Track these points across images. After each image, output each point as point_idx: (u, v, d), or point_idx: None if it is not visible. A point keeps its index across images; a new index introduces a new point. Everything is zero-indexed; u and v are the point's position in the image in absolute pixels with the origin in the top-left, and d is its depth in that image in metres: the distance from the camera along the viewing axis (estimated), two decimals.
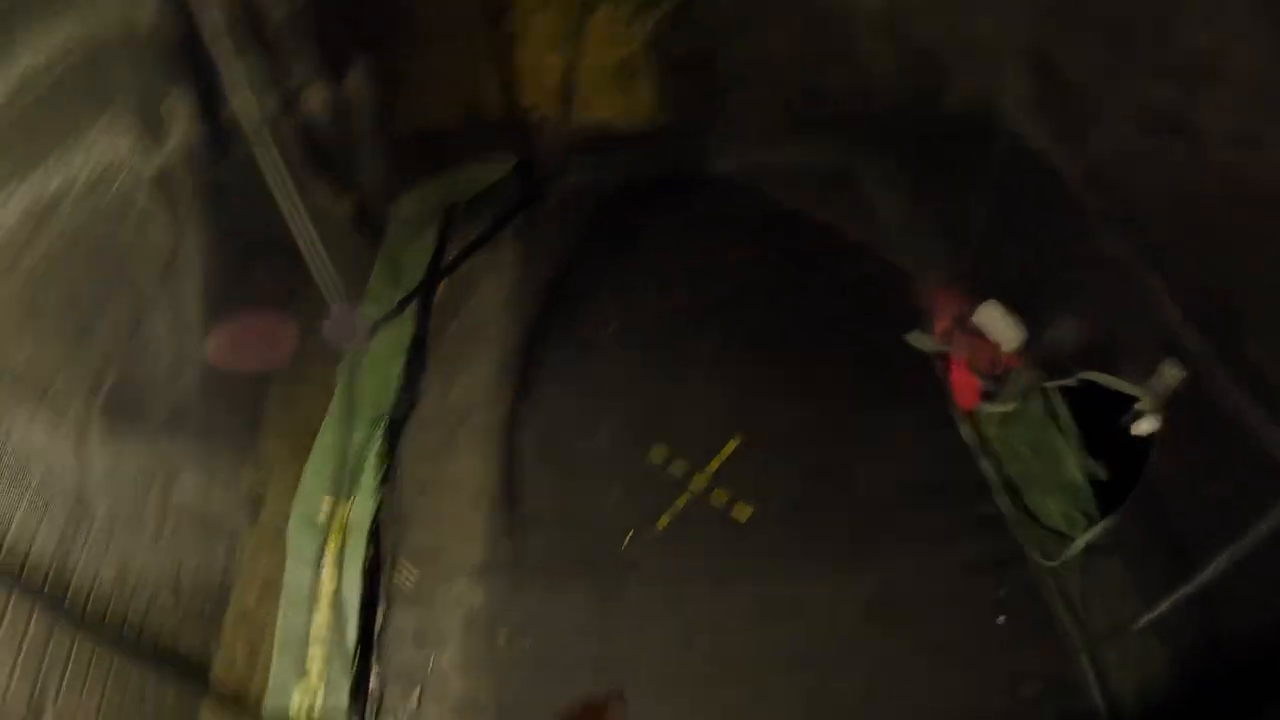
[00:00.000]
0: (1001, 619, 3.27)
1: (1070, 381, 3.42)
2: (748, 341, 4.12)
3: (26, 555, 2.86)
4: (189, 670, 3.20)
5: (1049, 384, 3.52)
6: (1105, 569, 3.22)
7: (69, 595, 2.89)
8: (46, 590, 2.76)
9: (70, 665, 2.99)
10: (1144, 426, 3.02)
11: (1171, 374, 2.85)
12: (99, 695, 3.10)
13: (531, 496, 3.75)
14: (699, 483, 3.71)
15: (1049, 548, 3.34)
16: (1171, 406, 2.91)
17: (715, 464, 3.76)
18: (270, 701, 3.33)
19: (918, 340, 3.95)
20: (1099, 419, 3.31)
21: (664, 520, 3.64)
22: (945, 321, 3.93)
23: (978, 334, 3.81)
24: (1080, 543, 3.24)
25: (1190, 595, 2.77)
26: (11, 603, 2.66)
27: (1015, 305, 3.76)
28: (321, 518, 3.60)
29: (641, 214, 4.58)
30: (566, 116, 4.71)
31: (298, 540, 3.60)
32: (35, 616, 2.66)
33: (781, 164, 4.60)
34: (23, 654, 2.93)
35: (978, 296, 3.88)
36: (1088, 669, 3.11)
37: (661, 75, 4.67)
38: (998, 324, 3.76)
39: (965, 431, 3.73)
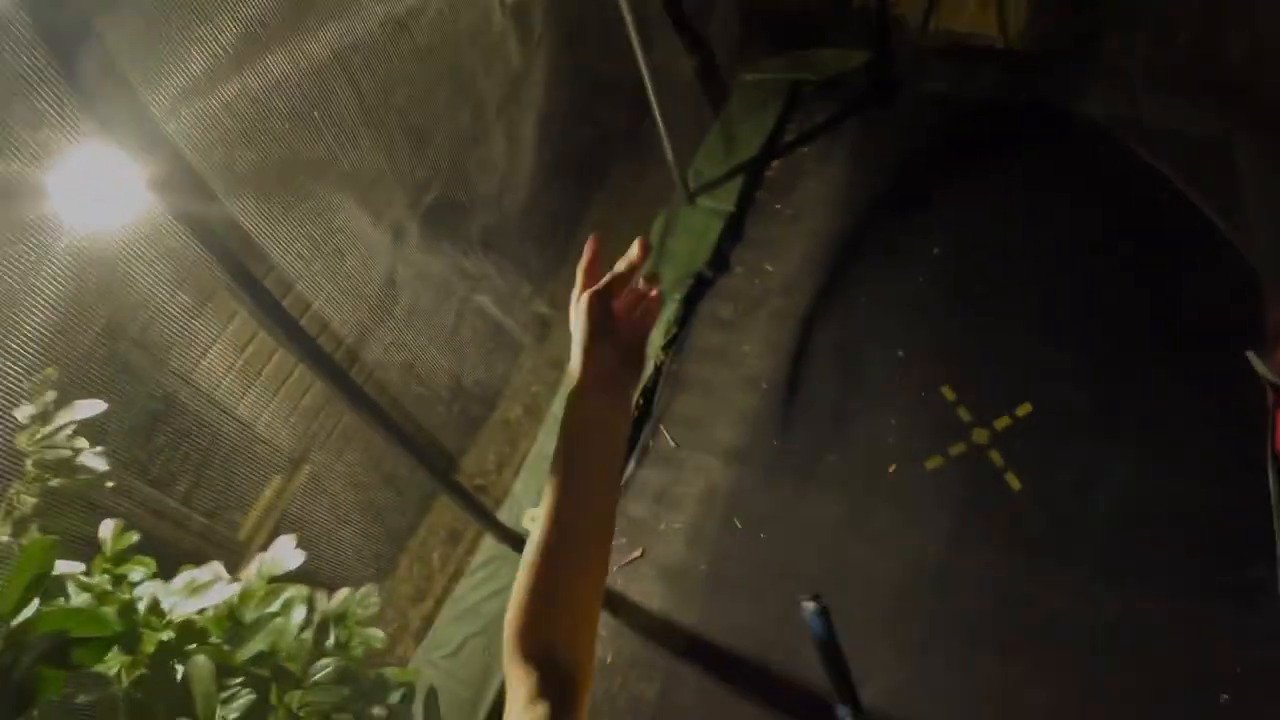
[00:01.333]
0: (1225, 698, 2.76)
1: None
2: (1070, 306, 3.55)
3: (325, 326, 3.10)
4: (441, 460, 3.36)
5: None
6: None
7: (355, 368, 3.11)
8: (337, 360, 2.97)
9: (337, 429, 3.21)
10: None
11: None
12: (354, 459, 3.29)
13: (808, 396, 3.56)
14: (980, 436, 3.33)
15: None
16: None
17: (1002, 423, 3.33)
18: (505, 511, 3.41)
19: (1256, 362, 3.24)
20: None
21: (934, 461, 3.31)
22: None
23: None
24: None
25: None
26: (299, 368, 2.89)
27: None
28: None
29: (990, 139, 4.06)
30: (928, 21, 4.30)
31: (569, 376, 3.63)
32: (319, 381, 2.85)
33: (1155, 121, 3.91)
34: (298, 410, 3.20)
35: None
36: None
37: None
38: None
39: (1272, 482, 3.04)
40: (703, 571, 3.29)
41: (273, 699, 2.52)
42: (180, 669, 2.25)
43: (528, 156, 3.73)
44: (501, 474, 3.80)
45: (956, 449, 3.32)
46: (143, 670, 2.25)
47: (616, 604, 3.29)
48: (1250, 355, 3.25)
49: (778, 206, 4.07)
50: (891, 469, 3.33)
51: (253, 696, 2.32)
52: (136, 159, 2.02)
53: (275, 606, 2.64)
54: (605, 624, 3.26)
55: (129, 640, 2.25)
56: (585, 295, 1.04)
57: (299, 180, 3.03)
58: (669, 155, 3.88)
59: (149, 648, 2.24)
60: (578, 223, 4.15)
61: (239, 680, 2.42)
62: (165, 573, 2.53)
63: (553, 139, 3.79)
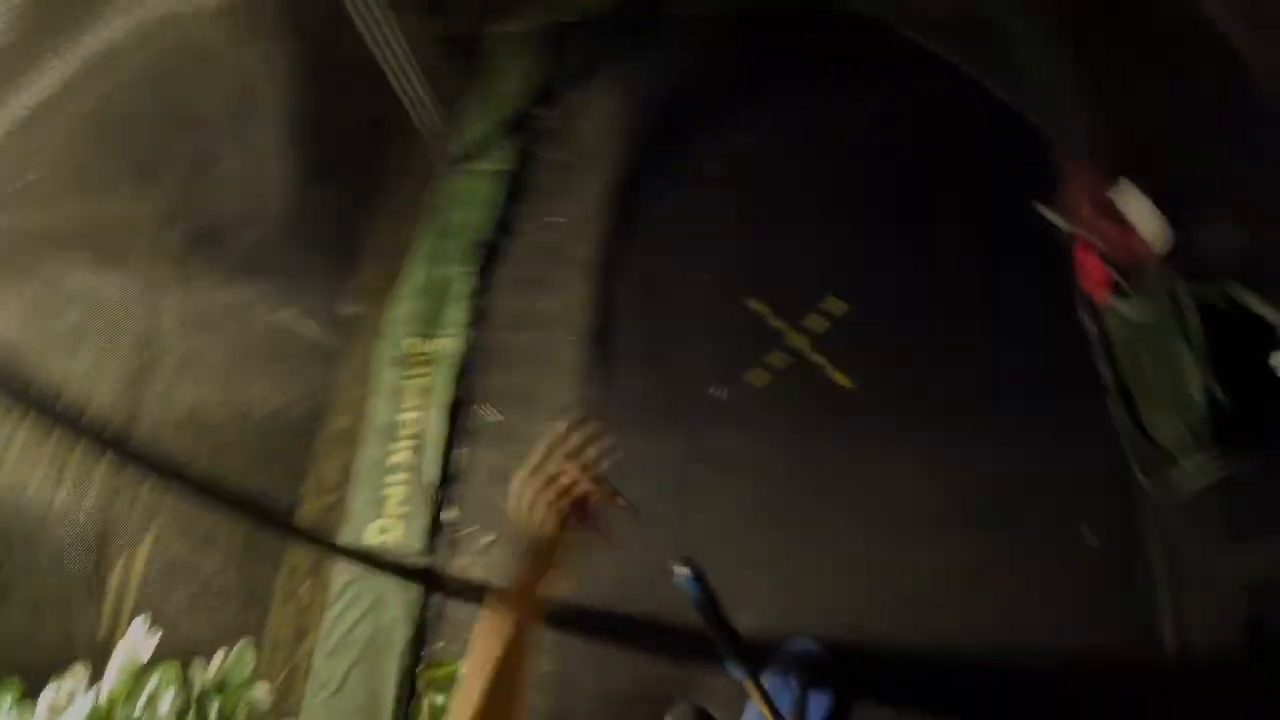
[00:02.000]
0: (1089, 534, 2.88)
1: (1213, 296, 2.89)
2: (865, 195, 3.58)
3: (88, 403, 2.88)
4: (268, 506, 3.21)
5: (1186, 292, 2.98)
6: (1211, 508, 2.78)
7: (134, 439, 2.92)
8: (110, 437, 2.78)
9: (136, 508, 3.03)
10: None
11: None
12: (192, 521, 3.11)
13: (623, 339, 3.52)
14: (799, 341, 3.34)
15: (1155, 469, 2.89)
16: None
17: (819, 324, 3.36)
18: (347, 534, 3.29)
19: (1051, 215, 3.38)
20: (1235, 343, 2.86)
21: (759, 376, 3.32)
22: (1083, 200, 3.34)
23: (1118, 220, 3.22)
24: (1193, 475, 2.81)
25: None
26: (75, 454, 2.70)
27: (1165, 199, 3.15)
28: (405, 355, 3.48)
29: (761, 48, 4.06)
30: None
31: (383, 377, 3.51)
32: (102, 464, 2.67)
33: (925, 6, 3.95)
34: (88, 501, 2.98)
35: (1124, 181, 3.28)
36: (1167, 609, 2.75)
37: None
38: (1142, 213, 3.14)
39: (1087, 323, 3.20)
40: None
41: None
42: None
43: (277, 164, 3.52)
44: (345, 489, 3.65)
45: (777, 359, 3.33)
46: None
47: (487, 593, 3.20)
48: (1042, 207, 3.37)
49: (552, 155, 3.97)
50: (717, 392, 3.33)
51: None
52: None
53: (142, 702, 2.50)
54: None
55: None
56: (560, 497, 1.30)
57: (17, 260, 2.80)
58: (430, 127, 3.73)
59: None
60: (358, 214, 3.97)
61: None
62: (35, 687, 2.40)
63: (303, 138, 3.60)
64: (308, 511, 3.57)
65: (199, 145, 3.33)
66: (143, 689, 2.58)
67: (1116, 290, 3.17)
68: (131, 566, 3.32)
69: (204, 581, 3.35)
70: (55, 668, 2.81)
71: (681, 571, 1.66)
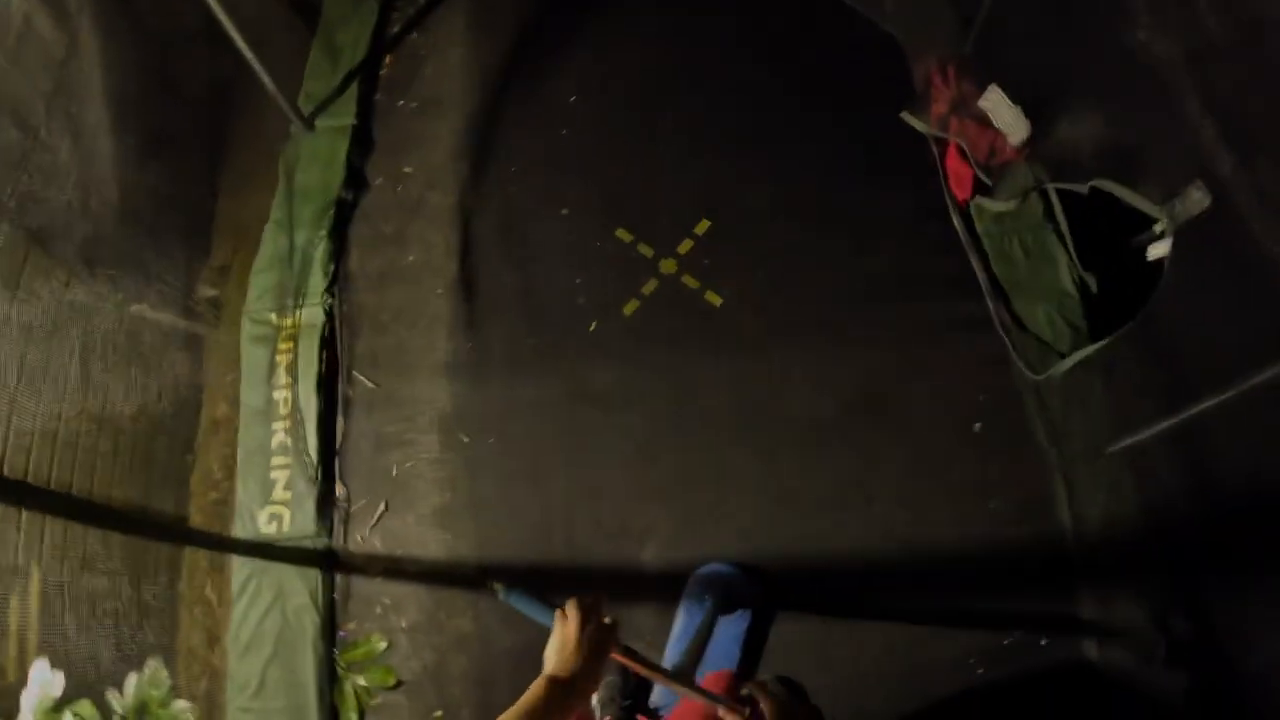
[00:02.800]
0: (978, 426, 2.95)
1: (1079, 187, 2.93)
2: (723, 115, 3.52)
3: None
4: (148, 514, 3.10)
5: (1052, 185, 3.05)
6: (1090, 389, 2.91)
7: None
8: None
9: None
10: (1158, 250, 2.71)
11: (1197, 199, 2.56)
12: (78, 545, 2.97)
13: (492, 285, 3.42)
14: (667, 266, 3.30)
15: (1034, 358, 2.98)
16: (1188, 233, 2.63)
17: (685, 247, 3.31)
18: (240, 526, 3.17)
19: (912, 120, 3.33)
20: (1101, 232, 2.98)
21: (631, 305, 3.27)
22: (943, 103, 3.30)
23: (979, 121, 3.20)
24: (1070, 361, 2.91)
25: (1172, 431, 2.58)
26: None
27: (1025, 96, 3.18)
28: (269, 331, 3.31)
29: None
30: None
31: (250, 357, 3.37)
32: None
33: None
34: None
35: (983, 81, 3.24)
36: (1059, 488, 2.86)
37: None
38: (1003, 112, 3.16)
39: (957, 223, 3.18)
40: (450, 499, 3.15)
41: None
42: None
43: (106, 144, 3.30)
44: (233, 478, 3.51)
45: (649, 287, 3.28)
46: None
47: (391, 569, 3.16)
48: (905, 114, 3.31)
49: (400, 103, 3.80)
50: (592, 327, 3.25)
51: None
52: None
53: None
54: (390, 593, 3.14)
55: None
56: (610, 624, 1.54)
57: None
58: (268, 87, 3.51)
59: None
60: (208, 189, 3.76)
61: None
62: None
63: (133, 115, 3.37)
64: (198, 508, 3.43)
65: (13, 135, 3.09)
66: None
67: (983, 189, 3.17)
68: (26, 605, 3.18)
69: (103, 605, 3.21)
70: None
71: (500, 590, 1.65)
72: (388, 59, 3.85)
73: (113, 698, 2.73)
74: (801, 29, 3.60)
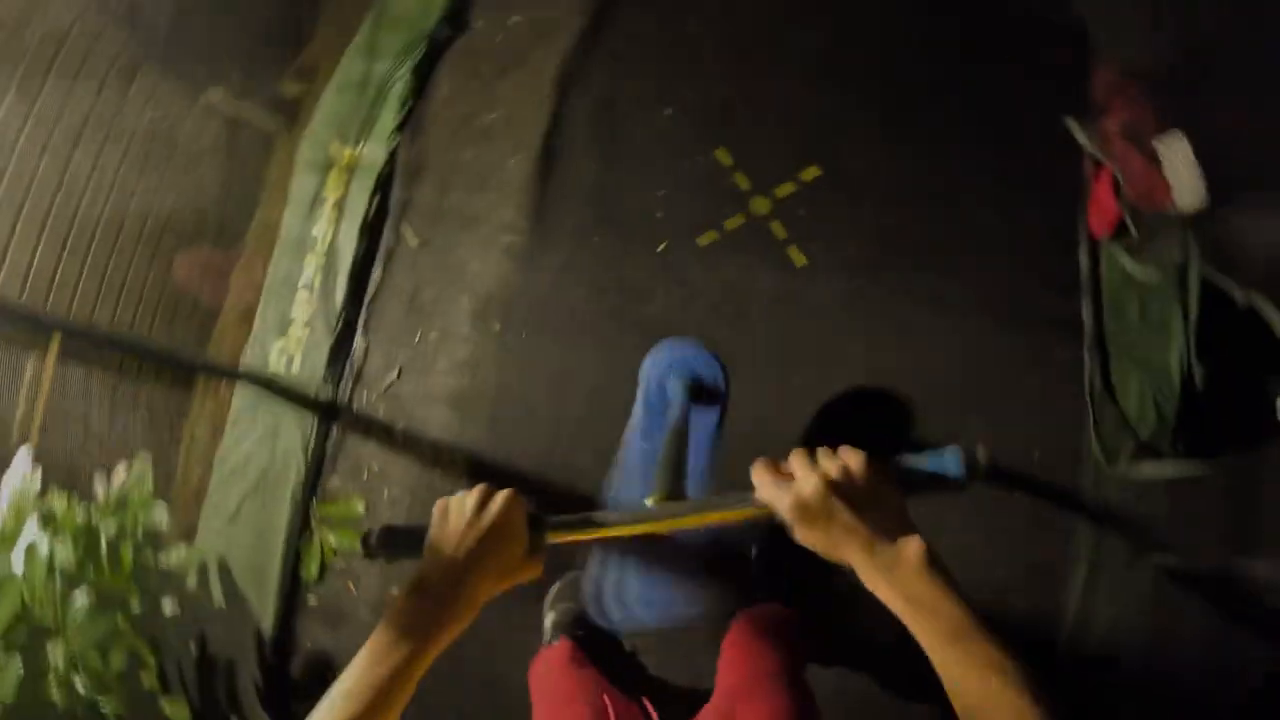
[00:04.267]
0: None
1: (1233, 292, 2.46)
2: (867, 59, 3.01)
3: None
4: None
5: (1199, 266, 2.55)
6: (1153, 498, 2.59)
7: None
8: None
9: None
10: None
11: None
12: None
13: (570, 170, 3.12)
14: (760, 205, 2.94)
15: (1110, 433, 2.64)
16: None
17: (785, 190, 2.93)
18: (251, 352, 3.03)
19: (1076, 130, 2.84)
20: (1232, 344, 2.51)
21: (708, 236, 2.94)
22: (1115, 122, 2.80)
23: (1148, 158, 2.71)
24: (1146, 472, 2.59)
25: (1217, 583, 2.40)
26: None
27: (1212, 157, 2.63)
28: (324, 159, 3.07)
29: None
30: None
31: (299, 182, 3.15)
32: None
33: None
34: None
35: (1169, 117, 2.71)
36: (1078, 572, 2.59)
37: None
38: (1180, 167, 2.63)
39: (1082, 259, 2.76)
40: (467, 383, 2.95)
41: (45, 660, 2.27)
42: None
43: None
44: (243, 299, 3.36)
45: (733, 222, 2.95)
46: None
47: (388, 437, 3.03)
48: (1070, 122, 2.85)
49: None
50: (661, 247, 2.96)
51: (19, 671, 2.08)
52: None
53: (20, 552, 2.35)
54: (381, 460, 3.03)
55: None
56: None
57: None
58: None
59: None
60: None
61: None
62: None
63: None
64: (227, 313, 3.29)
65: None
66: (30, 513, 2.40)
67: (1123, 231, 2.74)
68: (42, 369, 3.09)
69: (111, 392, 3.12)
70: None
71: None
72: None
73: (99, 484, 2.63)
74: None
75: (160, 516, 2.69)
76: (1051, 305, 2.75)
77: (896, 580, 1.03)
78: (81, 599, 2.40)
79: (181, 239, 3.27)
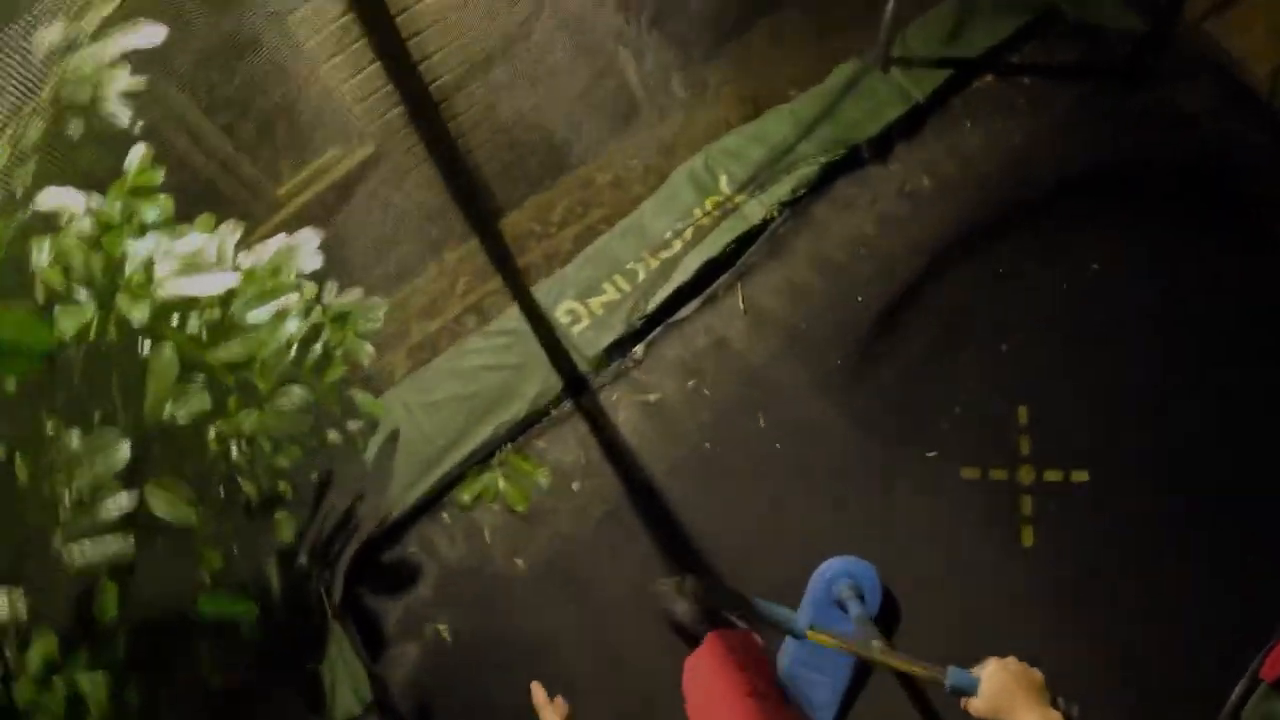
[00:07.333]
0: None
1: None
2: (1183, 387, 3.22)
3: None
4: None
5: None
6: None
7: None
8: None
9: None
10: None
11: None
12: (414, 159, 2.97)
13: (895, 337, 3.30)
14: (1025, 475, 3.14)
15: None
16: None
17: (1053, 476, 3.13)
18: (544, 288, 3.12)
19: None
20: None
21: (971, 472, 3.13)
22: None
23: None
24: None
25: None
26: None
27: None
28: (708, 182, 3.22)
29: (1194, 182, 3.56)
30: (1206, 17, 3.71)
31: (673, 188, 3.27)
32: None
33: None
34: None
35: None
36: None
37: None
38: None
39: (1237, 689, 2.88)
40: (705, 449, 3.12)
41: (230, 410, 2.27)
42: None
43: None
44: (561, 232, 3.45)
45: (998, 474, 3.15)
46: (111, 339, 1.99)
47: (608, 439, 3.17)
48: None
49: (967, 125, 3.62)
50: (931, 454, 3.16)
51: (205, 406, 2.09)
52: None
53: (268, 312, 2.33)
54: (592, 456, 3.17)
55: (105, 298, 1.97)
56: None
57: None
58: (890, 5, 3.32)
59: (124, 312, 1.96)
60: (751, 22, 3.62)
61: (200, 381, 2.17)
62: (186, 212, 2.22)
63: None
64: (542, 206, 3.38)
65: None
66: (276, 297, 2.37)
67: None
68: (340, 161, 3.15)
69: (384, 211, 3.19)
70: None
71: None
72: (989, 78, 3.64)
73: (329, 288, 2.63)
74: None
75: (366, 349, 2.64)
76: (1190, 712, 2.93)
77: None
78: (292, 394, 2.40)
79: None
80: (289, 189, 3.16)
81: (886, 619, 2.88)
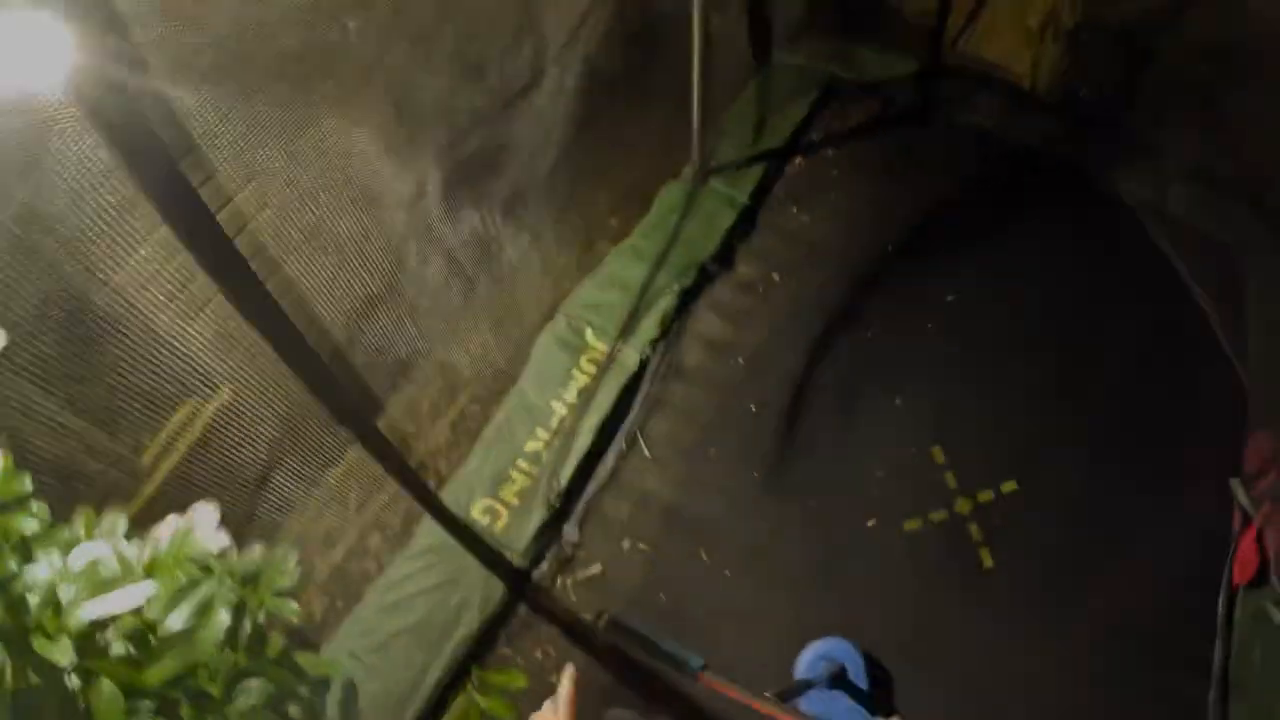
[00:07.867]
0: None
1: None
2: (1073, 387, 3.49)
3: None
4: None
5: None
6: None
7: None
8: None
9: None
10: None
11: None
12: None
13: (797, 430, 3.40)
14: (962, 506, 3.30)
15: None
16: None
17: (985, 496, 3.31)
18: (453, 492, 3.09)
19: (1238, 490, 3.27)
20: None
21: (913, 523, 3.26)
22: (1268, 482, 3.24)
23: None
24: None
25: None
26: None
27: None
28: (579, 343, 3.26)
29: (1017, 190, 3.88)
30: (959, 38, 4.02)
31: (547, 356, 3.31)
32: None
33: (1177, 211, 3.79)
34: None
35: None
36: None
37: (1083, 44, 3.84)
38: None
39: (1220, 605, 3.11)
40: (662, 602, 3.09)
41: None
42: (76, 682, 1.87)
43: (569, 107, 3.26)
44: (435, 424, 3.40)
45: (938, 515, 3.29)
46: (32, 683, 1.86)
47: (571, 627, 3.09)
48: (1233, 483, 3.25)
49: (793, 210, 3.80)
50: (871, 523, 3.25)
51: None
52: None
53: (191, 607, 2.23)
54: (558, 647, 3.09)
55: (16, 639, 1.84)
56: None
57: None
58: (695, 125, 3.49)
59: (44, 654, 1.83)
60: (588, 181, 3.71)
61: (146, 707, 2.05)
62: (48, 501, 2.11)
63: (595, 90, 3.33)
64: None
65: (529, 62, 3.06)
66: (195, 590, 2.27)
67: (1262, 582, 3.08)
68: (199, 413, 3.06)
69: (257, 452, 3.08)
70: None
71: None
72: (798, 160, 3.83)
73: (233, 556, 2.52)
74: (1173, 336, 3.59)
75: (291, 608, 2.57)
76: (1184, 646, 3.05)
77: None
78: (247, 689, 2.30)
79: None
80: (152, 453, 3.05)
81: (883, 686, 2.92)
